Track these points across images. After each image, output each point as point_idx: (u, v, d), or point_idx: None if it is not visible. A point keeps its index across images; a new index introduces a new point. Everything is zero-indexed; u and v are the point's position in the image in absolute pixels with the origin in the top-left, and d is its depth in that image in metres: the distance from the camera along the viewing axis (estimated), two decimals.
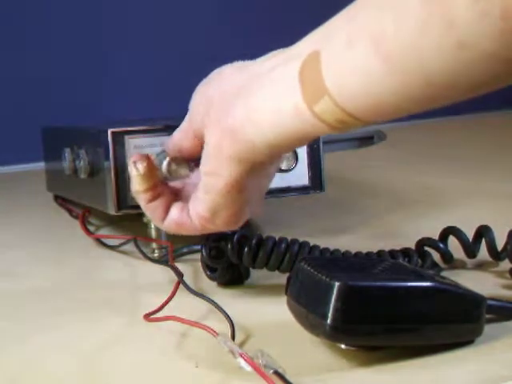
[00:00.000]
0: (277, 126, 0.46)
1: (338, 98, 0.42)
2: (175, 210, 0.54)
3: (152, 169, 0.55)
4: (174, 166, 0.55)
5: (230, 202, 0.50)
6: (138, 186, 0.54)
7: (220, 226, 0.52)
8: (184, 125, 0.54)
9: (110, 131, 0.65)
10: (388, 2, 0.40)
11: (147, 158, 0.55)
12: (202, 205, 0.51)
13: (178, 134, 0.55)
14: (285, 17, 1.47)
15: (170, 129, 0.66)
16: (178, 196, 0.55)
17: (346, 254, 0.60)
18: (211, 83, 0.52)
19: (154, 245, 0.68)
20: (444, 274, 0.59)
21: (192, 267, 0.64)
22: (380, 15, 0.40)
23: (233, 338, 0.49)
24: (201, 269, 0.62)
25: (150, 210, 0.55)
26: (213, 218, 0.51)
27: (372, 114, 0.43)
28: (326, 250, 0.60)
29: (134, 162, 0.54)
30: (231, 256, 0.58)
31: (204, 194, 0.51)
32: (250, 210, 0.52)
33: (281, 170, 0.66)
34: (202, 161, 0.51)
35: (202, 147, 0.52)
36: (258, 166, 0.49)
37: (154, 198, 0.54)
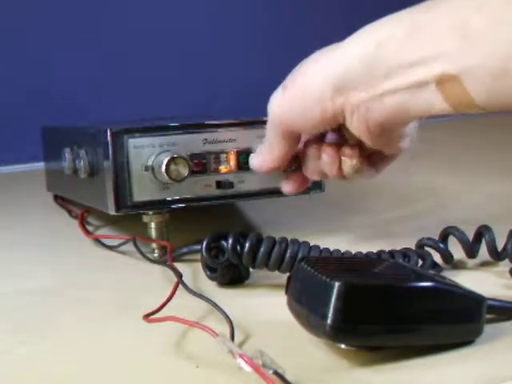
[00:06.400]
0: (425, 116, 0.54)
1: (487, 106, 0.50)
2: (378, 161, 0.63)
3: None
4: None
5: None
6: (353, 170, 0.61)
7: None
8: (279, 144, 0.60)
9: (109, 131, 0.65)
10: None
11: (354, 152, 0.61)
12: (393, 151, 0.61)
13: (273, 155, 0.61)
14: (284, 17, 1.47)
15: (169, 129, 0.67)
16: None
17: (346, 253, 0.60)
18: (318, 67, 0.57)
19: (154, 245, 0.68)
20: (444, 273, 0.59)
21: (192, 267, 0.64)
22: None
23: (232, 338, 0.49)
24: (200, 269, 0.61)
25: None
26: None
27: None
28: (326, 250, 0.60)
29: (350, 158, 0.60)
30: (231, 256, 0.58)
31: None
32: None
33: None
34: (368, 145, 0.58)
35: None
36: None
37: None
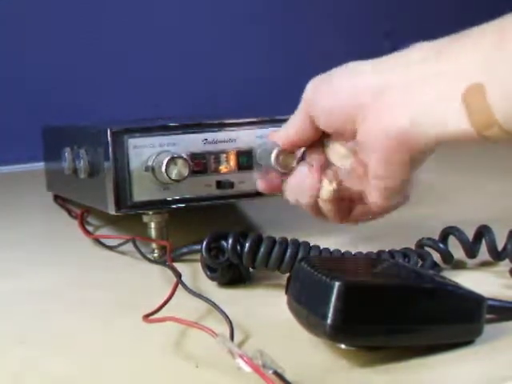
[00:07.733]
0: (443, 137, 0.52)
1: (510, 127, 0.48)
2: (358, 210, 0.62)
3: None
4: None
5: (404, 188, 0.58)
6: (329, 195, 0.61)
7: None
8: (300, 120, 0.60)
9: (110, 131, 0.65)
10: None
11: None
12: (383, 198, 0.58)
13: (292, 128, 0.61)
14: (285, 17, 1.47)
15: (169, 129, 0.67)
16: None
17: (346, 253, 0.60)
18: (341, 78, 0.57)
19: (154, 245, 0.68)
20: (444, 273, 0.59)
21: (192, 267, 0.64)
22: None
23: (232, 338, 0.49)
24: (200, 269, 0.61)
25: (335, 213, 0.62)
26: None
27: None
28: (326, 250, 0.60)
29: (330, 181, 0.60)
30: (231, 256, 0.58)
31: (383, 193, 0.58)
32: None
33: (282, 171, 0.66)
34: (373, 167, 0.56)
35: (317, 137, 0.60)
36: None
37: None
